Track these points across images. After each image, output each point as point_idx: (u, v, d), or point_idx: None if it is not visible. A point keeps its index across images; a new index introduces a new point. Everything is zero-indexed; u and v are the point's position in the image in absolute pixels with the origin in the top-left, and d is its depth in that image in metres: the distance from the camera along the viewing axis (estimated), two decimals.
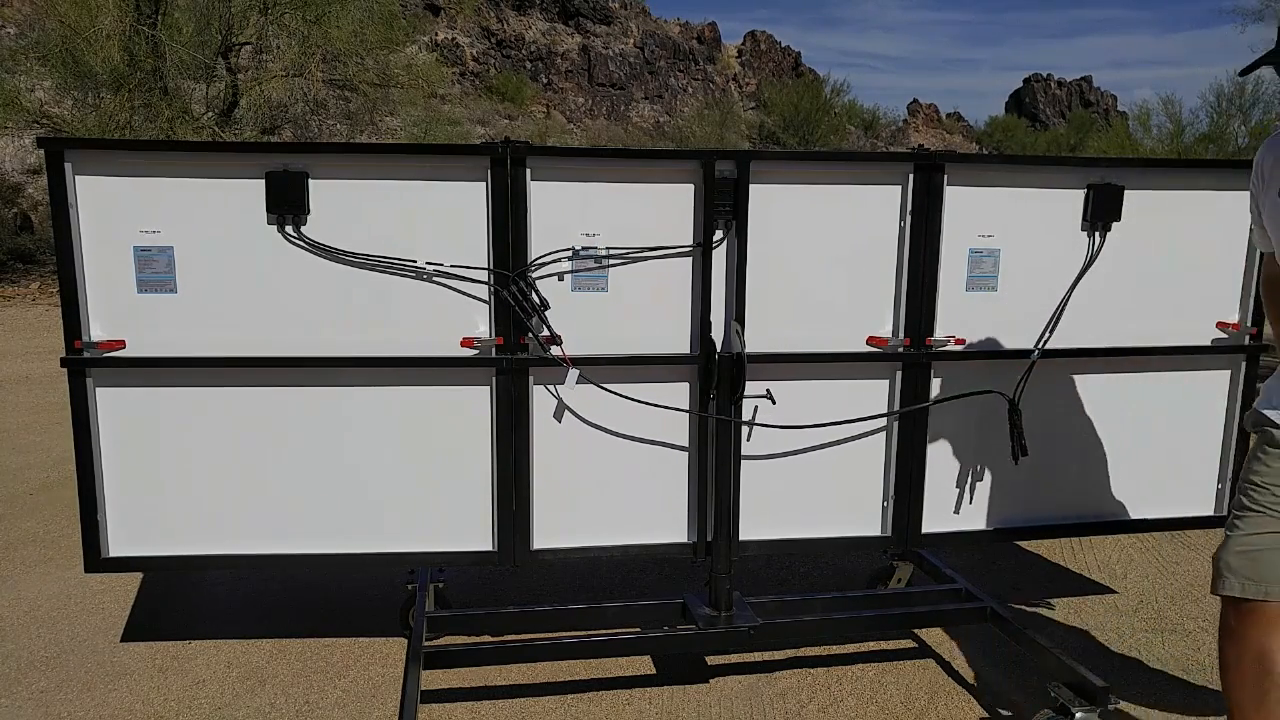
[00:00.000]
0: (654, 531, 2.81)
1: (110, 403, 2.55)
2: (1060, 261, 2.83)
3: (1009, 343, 2.83)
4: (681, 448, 2.77)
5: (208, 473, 2.62)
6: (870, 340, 2.77)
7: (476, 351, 2.62)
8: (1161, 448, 3.02)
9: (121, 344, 2.52)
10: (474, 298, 2.61)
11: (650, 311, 2.67)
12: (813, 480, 2.84)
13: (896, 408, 2.81)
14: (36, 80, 13.03)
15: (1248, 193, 3.07)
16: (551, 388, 2.68)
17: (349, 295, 2.57)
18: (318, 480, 2.65)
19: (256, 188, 2.49)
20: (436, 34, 23.36)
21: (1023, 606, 3.42)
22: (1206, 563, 3.88)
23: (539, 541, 2.75)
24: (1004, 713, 2.78)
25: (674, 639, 2.86)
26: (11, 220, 11.81)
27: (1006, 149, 28.94)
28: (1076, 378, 2.92)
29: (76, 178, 2.44)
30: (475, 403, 2.66)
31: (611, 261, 2.63)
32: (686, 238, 2.65)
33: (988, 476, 2.92)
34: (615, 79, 26.17)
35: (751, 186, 2.62)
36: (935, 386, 2.81)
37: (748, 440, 2.76)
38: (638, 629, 2.94)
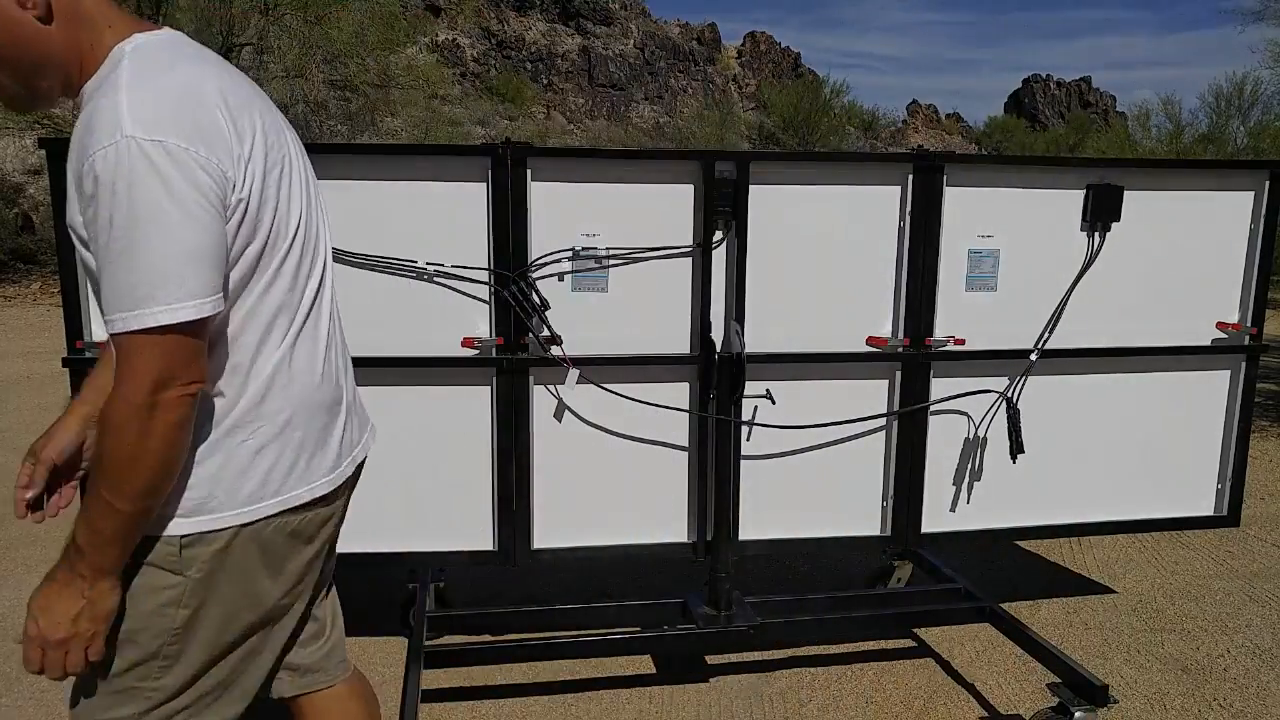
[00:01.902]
0: (654, 531, 2.81)
1: None
2: (1060, 261, 2.84)
3: (1008, 343, 2.83)
4: (681, 448, 2.77)
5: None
6: (870, 340, 2.78)
7: (477, 351, 2.62)
8: (1161, 448, 3.03)
9: None
10: (474, 298, 2.61)
11: (650, 312, 2.67)
12: (812, 480, 2.84)
13: (896, 408, 2.81)
14: None
15: (1249, 193, 3.06)
16: (552, 388, 2.68)
17: (349, 295, 2.57)
18: None
19: None
20: (437, 35, 23.35)
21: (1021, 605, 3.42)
22: (1206, 562, 3.90)
23: (539, 541, 2.75)
24: (1004, 712, 2.79)
25: (674, 639, 2.86)
26: (13, 220, 11.81)
27: (1006, 149, 28.95)
28: (1076, 377, 2.92)
29: None
30: (475, 403, 2.66)
31: (611, 261, 2.64)
32: (686, 238, 2.65)
33: (987, 476, 2.93)
34: (615, 80, 26.16)
35: (751, 187, 2.62)
36: (935, 386, 2.82)
37: (747, 440, 2.76)
38: (638, 628, 2.95)
